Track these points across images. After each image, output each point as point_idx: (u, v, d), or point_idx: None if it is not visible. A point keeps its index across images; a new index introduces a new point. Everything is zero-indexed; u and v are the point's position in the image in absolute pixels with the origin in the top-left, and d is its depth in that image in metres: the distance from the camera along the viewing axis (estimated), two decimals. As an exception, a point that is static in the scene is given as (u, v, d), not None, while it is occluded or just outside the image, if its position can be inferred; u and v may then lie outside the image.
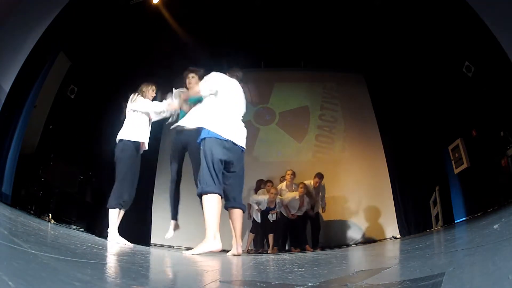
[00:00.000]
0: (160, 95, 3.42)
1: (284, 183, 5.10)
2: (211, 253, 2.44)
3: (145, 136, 3.21)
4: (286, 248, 4.86)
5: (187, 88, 3.22)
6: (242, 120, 2.74)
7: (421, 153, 5.09)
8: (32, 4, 3.55)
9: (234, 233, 2.61)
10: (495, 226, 1.80)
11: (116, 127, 5.18)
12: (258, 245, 4.95)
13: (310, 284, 1.00)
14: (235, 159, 2.58)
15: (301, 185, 4.84)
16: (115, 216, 2.96)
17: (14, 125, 3.45)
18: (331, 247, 5.22)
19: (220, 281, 1.23)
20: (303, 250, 4.53)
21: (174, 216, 3.54)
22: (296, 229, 4.77)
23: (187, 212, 5.79)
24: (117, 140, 3.14)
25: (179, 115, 3.23)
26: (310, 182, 5.04)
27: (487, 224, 2.24)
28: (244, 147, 2.67)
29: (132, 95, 3.31)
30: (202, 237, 2.55)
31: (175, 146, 3.36)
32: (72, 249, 1.57)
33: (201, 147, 2.53)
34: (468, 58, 4.10)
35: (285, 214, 4.80)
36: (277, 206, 4.82)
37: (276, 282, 1.15)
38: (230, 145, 2.53)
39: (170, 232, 3.41)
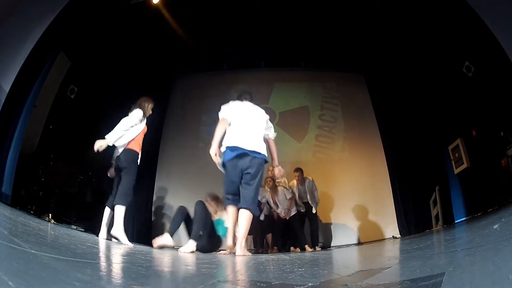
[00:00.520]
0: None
1: (295, 183, 5.04)
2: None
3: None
4: (286, 247, 4.85)
5: None
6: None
7: (421, 153, 5.09)
8: (32, 4, 3.55)
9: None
10: (495, 226, 1.80)
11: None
12: (258, 245, 4.95)
13: (310, 284, 1.00)
14: None
15: (296, 174, 4.84)
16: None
17: (14, 125, 3.45)
18: (331, 247, 5.22)
19: (220, 281, 1.23)
20: (302, 249, 4.53)
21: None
22: (293, 229, 4.75)
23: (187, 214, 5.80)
24: (126, 150, 3.23)
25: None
26: (293, 182, 5.01)
27: (487, 224, 2.23)
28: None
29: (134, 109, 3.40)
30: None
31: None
32: (72, 249, 1.57)
33: (260, 170, 2.78)
34: (468, 58, 4.10)
35: (278, 211, 4.74)
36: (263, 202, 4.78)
37: (276, 282, 1.15)
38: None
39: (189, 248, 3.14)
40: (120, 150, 3.22)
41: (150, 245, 3.60)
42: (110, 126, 4.80)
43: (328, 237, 5.45)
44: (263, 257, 2.97)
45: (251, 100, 3.18)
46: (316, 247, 4.80)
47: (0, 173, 3.25)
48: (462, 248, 1.67)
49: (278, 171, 3.07)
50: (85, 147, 4.62)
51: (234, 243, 2.74)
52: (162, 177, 5.87)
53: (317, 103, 6.47)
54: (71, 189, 4.37)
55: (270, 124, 3.09)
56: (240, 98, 3.20)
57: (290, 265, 1.79)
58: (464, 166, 4.40)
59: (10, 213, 2.46)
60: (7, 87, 3.33)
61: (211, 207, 3.52)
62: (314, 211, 4.92)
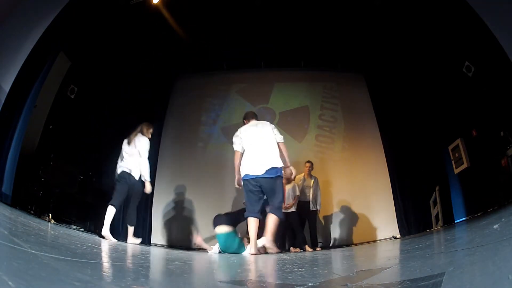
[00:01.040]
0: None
1: (303, 174, 5.05)
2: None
3: None
4: (286, 248, 4.85)
5: None
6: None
7: (421, 153, 5.08)
8: (32, 4, 3.55)
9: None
10: (495, 226, 1.80)
11: (116, 127, 5.20)
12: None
13: (310, 284, 1.00)
14: None
15: (307, 165, 4.89)
16: None
17: (14, 125, 3.45)
18: (330, 247, 5.22)
19: (220, 281, 1.23)
20: (302, 250, 4.53)
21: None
22: (293, 229, 4.75)
23: (187, 214, 5.82)
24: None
25: None
26: (300, 175, 5.02)
27: (487, 224, 2.23)
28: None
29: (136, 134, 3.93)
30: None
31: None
32: (72, 249, 1.57)
33: (278, 184, 3.25)
34: (468, 58, 4.10)
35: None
36: None
37: (276, 282, 1.15)
38: None
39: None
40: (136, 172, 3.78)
41: (150, 245, 3.63)
42: (110, 126, 4.82)
43: (328, 237, 5.45)
44: (263, 257, 2.97)
45: (256, 118, 3.61)
46: (316, 247, 4.80)
47: (0, 173, 3.24)
48: (462, 248, 1.67)
49: (289, 171, 3.49)
50: (85, 147, 4.65)
51: (257, 250, 3.19)
52: (162, 177, 5.86)
53: (317, 103, 6.47)
54: (71, 189, 4.37)
55: (276, 131, 3.44)
56: (245, 119, 3.64)
57: (290, 265, 1.79)
58: (464, 166, 4.39)
59: (10, 213, 2.46)
60: (7, 87, 3.33)
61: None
62: (314, 209, 4.93)
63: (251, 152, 3.29)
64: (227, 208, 5.63)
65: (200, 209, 5.65)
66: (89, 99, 4.69)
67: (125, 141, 3.91)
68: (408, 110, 5.26)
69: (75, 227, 4.08)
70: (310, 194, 4.95)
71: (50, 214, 3.73)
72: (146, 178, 3.79)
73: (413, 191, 5.13)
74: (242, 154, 3.36)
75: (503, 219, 2.16)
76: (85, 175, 4.63)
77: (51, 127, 4.04)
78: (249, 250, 3.24)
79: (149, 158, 3.90)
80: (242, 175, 3.29)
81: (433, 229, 4.58)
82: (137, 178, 3.78)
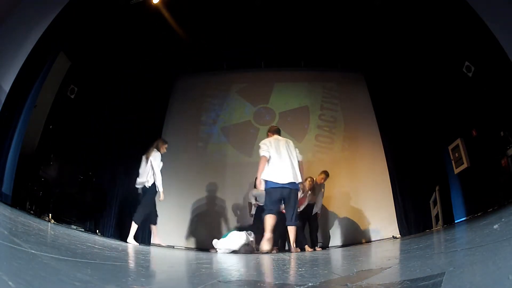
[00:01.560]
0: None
1: (310, 180, 5.02)
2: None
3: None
4: (286, 248, 4.84)
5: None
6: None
7: (421, 153, 5.08)
8: (32, 4, 3.55)
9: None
10: (495, 226, 1.80)
11: (116, 127, 5.20)
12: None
13: (310, 284, 1.00)
14: None
15: (309, 179, 4.84)
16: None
17: (14, 125, 3.45)
18: (330, 247, 5.22)
19: (220, 281, 1.23)
20: (302, 250, 4.53)
21: None
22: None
23: (187, 214, 5.81)
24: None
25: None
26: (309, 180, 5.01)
27: (487, 224, 2.23)
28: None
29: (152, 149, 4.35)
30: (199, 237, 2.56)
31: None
32: (72, 249, 1.57)
33: (296, 196, 3.83)
34: (468, 58, 4.10)
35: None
36: None
37: (276, 282, 1.15)
38: None
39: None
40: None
41: (150, 244, 3.66)
42: (110, 126, 4.81)
43: (328, 237, 5.45)
44: (263, 257, 2.97)
45: (280, 134, 4.14)
46: (316, 247, 4.80)
47: (0, 173, 3.24)
48: (462, 248, 1.67)
49: (302, 187, 4.11)
50: (85, 147, 4.65)
51: (271, 246, 3.65)
52: (161, 177, 5.85)
53: (317, 103, 6.47)
54: (71, 189, 4.37)
55: (297, 150, 3.99)
56: (270, 132, 4.13)
57: (290, 265, 1.79)
58: (464, 166, 4.39)
59: (10, 213, 2.46)
60: (7, 87, 3.33)
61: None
62: (316, 211, 4.94)
63: (278, 163, 3.78)
64: (226, 207, 5.65)
65: (200, 209, 5.65)
66: (89, 99, 4.69)
67: (143, 157, 4.31)
68: (408, 110, 5.25)
69: (75, 227, 4.08)
70: (316, 199, 4.99)
71: (50, 214, 3.73)
72: (159, 189, 4.25)
73: (413, 191, 5.13)
74: (268, 160, 3.78)
75: (503, 219, 2.16)
76: (85, 175, 4.63)
77: (51, 127, 4.04)
78: (262, 247, 3.56)
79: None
80: (267, 180, 3.75)
81: (433, 229, 4.58)
82: (151, 185, 4.24)
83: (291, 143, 4.02)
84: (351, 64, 6.33)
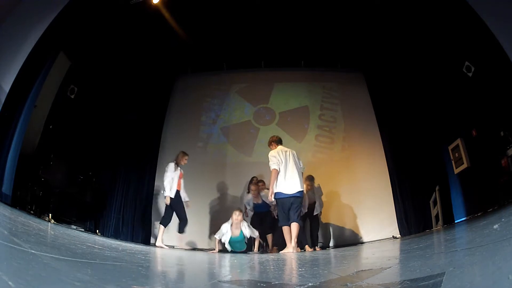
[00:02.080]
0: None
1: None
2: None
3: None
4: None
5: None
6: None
7: (421, 153, 5.08)
8: (32, 4, 3.55)
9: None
10: (495, 226, 1.80)
11: (116, 127, 5.20)
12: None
13: (310, 284, 1.00)
14: None
15: (307, 182, 4.83)
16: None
17: (14, 125, 3.45)
18: (330, 247, 5.21)
19: (220, 281, 1.23)
20: (302, 250, 4.52)
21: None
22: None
23: (189, 215, 5.81)
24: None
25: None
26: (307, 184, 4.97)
27: (487, 224, 2.23)
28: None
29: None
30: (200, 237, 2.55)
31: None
32: (72, 249, 1.57)
33: (300, 203, 4.13)
34: (468, 58, 4.10)
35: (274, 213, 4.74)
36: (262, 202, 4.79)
37: (276, 282, 1.15)
38: None
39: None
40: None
41: (149, 244, 3.64)
42: (109, 126, 4.82)
43: (328, 237, 5.44)
44: (263, 257, 2.97)
45: (282, 143, 4.38)
46: (316, 247, 4.80)
47: (0, 173, 3.24)
48: (462, 248, 1.67)
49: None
50: (85, 147, 4.64)
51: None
52: (161, 177, 5.85)
53: (317, 103, 6.47)
54: (71, 189, 4.37)
55: (301, 161, 4.27)
56: (274, 142, 4.33)
57: (290, 265, 1.79)
58: (464, 166, 4.39)
59: (10, 213, 2.46)
60: (7, 87, 3.33)
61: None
62: (316, 212, 4.93)
63: (287, 175, 4.06)
64: (226, 207, 5.64)
65: (200, 209, 5.64)
66: (89, 99, 4.69)
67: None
68: (408, 110, 5.25)
69: (75, 227, 4.08)
70: (316, 200, 4.99)
71: (50, 214, 3.73)
72: (165, 193, 4.51)
73: (413, 191, 5.13)
74: (279, 173, 4.06)
75: (503, 219, 2.16)
76: (85, 175, 4.63)
77: (51, 127, 4.04)
78: (288, 249, 3.91)
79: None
80: (280, 191, 4.01)
81: (433, 229, 4.57)
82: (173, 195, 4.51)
83: (295, 153, 4.27)
84: (351, 64, 6.33)
